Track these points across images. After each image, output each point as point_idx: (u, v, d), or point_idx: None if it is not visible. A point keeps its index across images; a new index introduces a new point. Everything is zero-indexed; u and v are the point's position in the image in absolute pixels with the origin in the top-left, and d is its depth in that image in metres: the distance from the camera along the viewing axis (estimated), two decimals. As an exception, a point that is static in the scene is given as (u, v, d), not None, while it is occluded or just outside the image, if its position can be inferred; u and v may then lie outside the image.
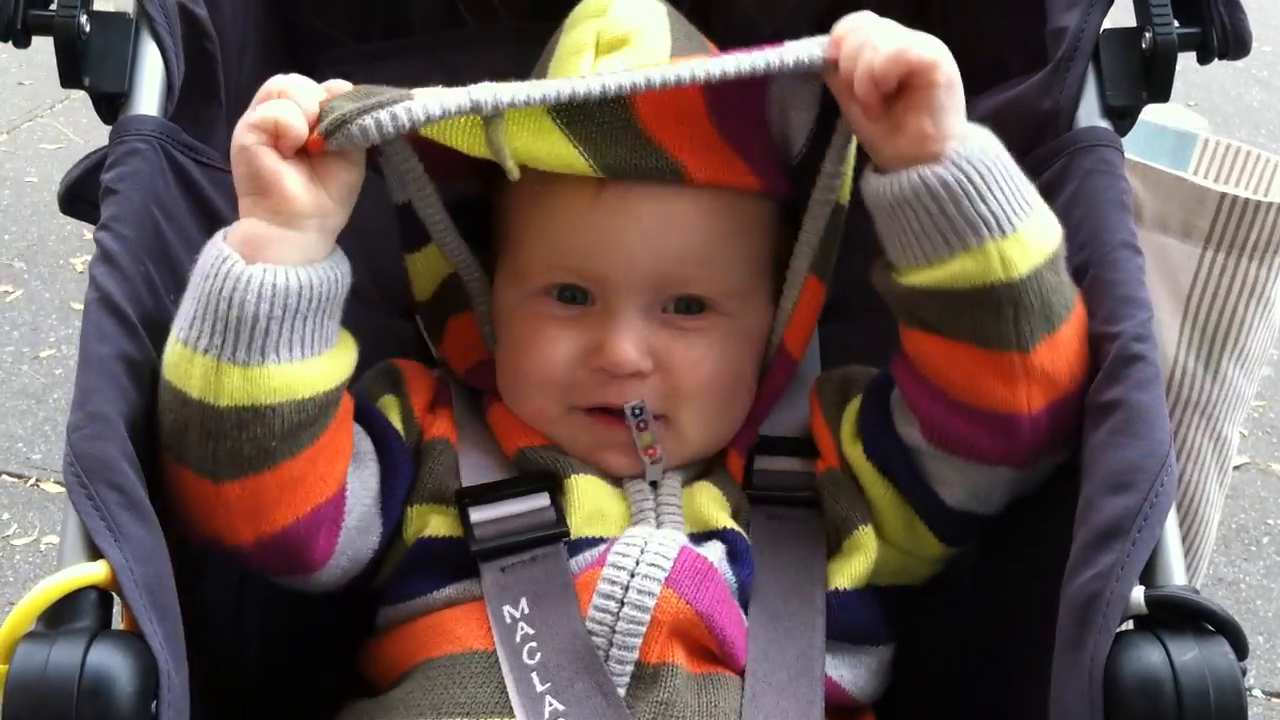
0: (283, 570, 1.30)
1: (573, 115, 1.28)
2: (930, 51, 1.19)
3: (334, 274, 1.23)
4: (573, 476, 1.35)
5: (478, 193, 1.44)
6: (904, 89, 1.19)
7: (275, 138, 1.19)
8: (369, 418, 1.38)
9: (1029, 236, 1.21)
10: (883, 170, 1.23)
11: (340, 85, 1.25)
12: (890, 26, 1.23)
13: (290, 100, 1.21)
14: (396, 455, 1.37)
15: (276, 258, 1.19)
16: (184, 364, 1.18)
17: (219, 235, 1.22)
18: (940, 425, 1.28)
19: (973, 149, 1.20)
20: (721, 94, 1.29)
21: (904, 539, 1.36)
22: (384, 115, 1.19)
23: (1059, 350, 1.23)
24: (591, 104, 1.24)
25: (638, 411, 1.35)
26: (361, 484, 1.33)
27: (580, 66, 1.38)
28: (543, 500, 1.34)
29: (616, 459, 1.37)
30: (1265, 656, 2.51)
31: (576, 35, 1.42)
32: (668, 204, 1.34)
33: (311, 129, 1.20)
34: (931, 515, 1.34)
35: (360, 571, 1.36)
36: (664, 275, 1.34)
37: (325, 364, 1.23)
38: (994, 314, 1.21)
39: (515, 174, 1.27)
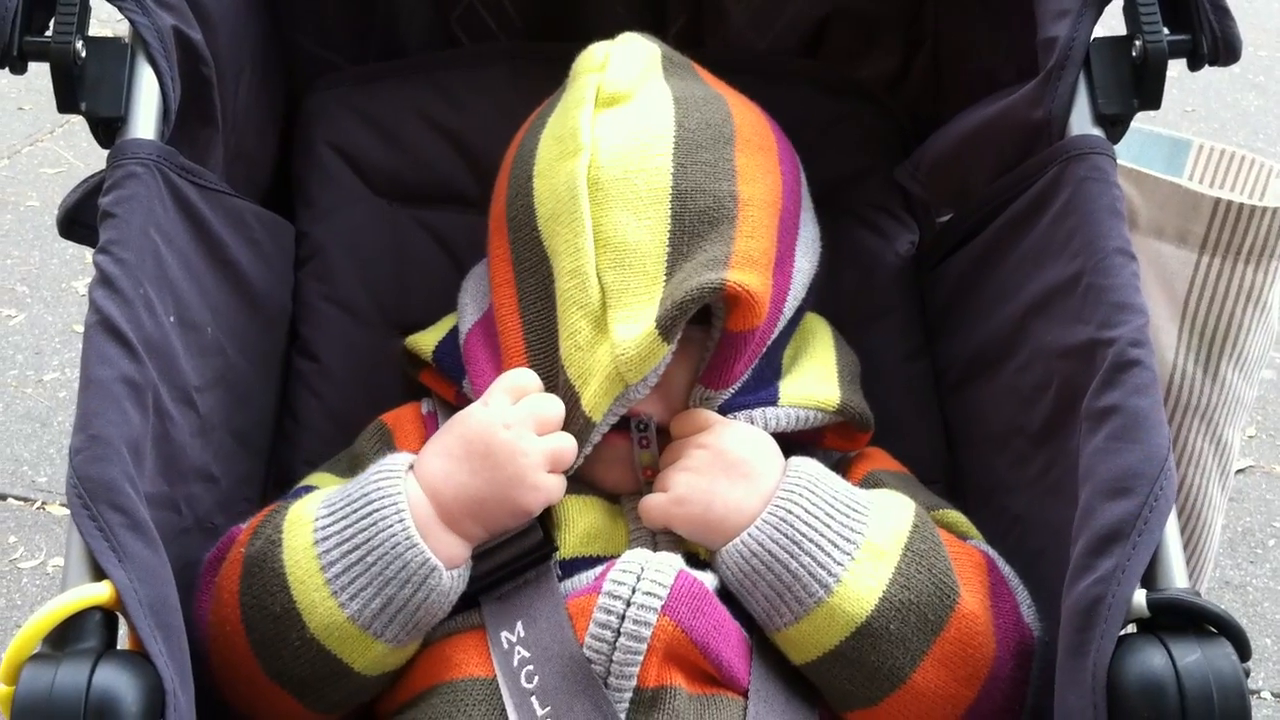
0: None
1: None
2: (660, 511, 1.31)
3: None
4: (566, 496, 1.34)
5: None
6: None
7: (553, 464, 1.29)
8: None
9: (860, 583, 1.24)
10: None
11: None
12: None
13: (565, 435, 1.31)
14: None
15: (449, 547, 1.26)
16: (355, 642, 1.24)
17: (411, 531, 1.24)
18: None
19: (735, 558, 1.27)
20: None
21: None
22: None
23: (922, 695, 1.25)
24: None
25: (642, 427, 1.35)
26: None
27: (581, 118, 1.40)
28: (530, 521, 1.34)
29: (612, 475, 1.37)
30: (1275, 659, 2.50)
31: (578, 89, 1.44)
32: None
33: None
34: None
35: None
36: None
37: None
38: (847, 671, 1.25)
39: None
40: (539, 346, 1.36)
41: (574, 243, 1.34)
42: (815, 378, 1.43)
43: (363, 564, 1.22)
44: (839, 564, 1.23)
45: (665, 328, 1.27)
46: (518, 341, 1.37)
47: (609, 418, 1.31)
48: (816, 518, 1.25)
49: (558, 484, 1.30)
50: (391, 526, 1.23)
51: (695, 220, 1.33)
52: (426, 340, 1.49)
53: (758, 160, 1.40)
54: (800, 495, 1.26)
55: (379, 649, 1.24)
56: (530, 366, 1.35)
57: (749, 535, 1.25)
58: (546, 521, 1.32)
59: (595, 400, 1.29)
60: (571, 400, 1.31)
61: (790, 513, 1.25)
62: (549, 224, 1.37)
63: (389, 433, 1.44)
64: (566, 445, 1.30)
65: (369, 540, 1.23)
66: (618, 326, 1.30)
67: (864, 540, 1.25)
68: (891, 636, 1.22)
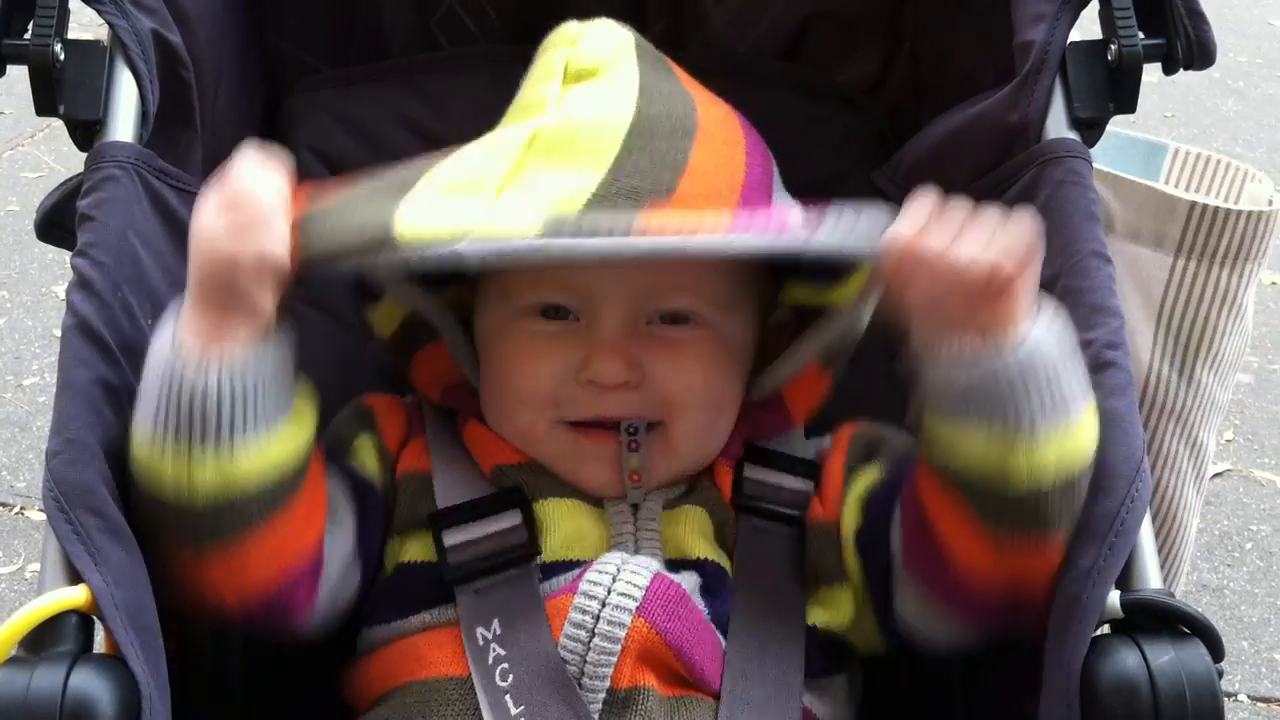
0: (268, 630, 1.29)
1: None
2: (1028, 240, 1.15)
3: (284, 345, 1.21)
4: (547, 500, 1.35)
5: None
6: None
7: (260, 267, 1.16)
8: (341, 468, 1.37)
9: (1059, 445, 1.16)
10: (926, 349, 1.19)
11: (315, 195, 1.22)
12: (964, 219, 1.17)
13: (270, 222, 1.18)
14: (370, 503, 1.37)
15: (232, 340, 1.16)
16: (157, 464, 1.16)
17: (167, 333, 1.17)
18: (914, 552, 1.28)
19: (1026, 347, 1.15)
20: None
21: (854, 619, 1.36)
22: (371, 254, 1.18)
23: (1044, 551, 1.20)
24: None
25: (632, 430, 1.34)
26: (339, 538, 1.32)
27: (547, 92, 1.37)
28: (514, 519, 1.34)
29: (598, 474, 1.36)
30: (1250, 661, 2.52)
31: (545, 62, 1.41)
32: None
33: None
34: (882, 616, 1.34)
35: (346, 609, 1.36)
36: (647, 290, 1.34)
37: (288, 436, 1.21)
38: (996, 496, 1.18)
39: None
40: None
41: (485, 163, 1.29)
42: None
43: (142, 393, 1.18)
44: (1056, 421, 1.16)
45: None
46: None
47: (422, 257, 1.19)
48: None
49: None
50: (151, 347, 1.19)
51: (621, 198, 1.26)
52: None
53: (718, 155, 1.36)
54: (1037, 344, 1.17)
55: (177, 464, 1.15)
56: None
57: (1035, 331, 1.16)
58: (531, 524, 1.32)
59: (416, 218, 1.19)
60: (389, 198, 1.23)
61: (1064, 333, 1.18)
62: (469, 150, 1.34)
63: (370, 412, 1.43)
64: (268, 247, 1.17)
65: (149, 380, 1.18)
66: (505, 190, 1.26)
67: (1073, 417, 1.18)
68: (1064, 499, 1.17)
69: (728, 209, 1.31)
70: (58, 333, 1.22)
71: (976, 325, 1.15)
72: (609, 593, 1.24)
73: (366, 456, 1.40)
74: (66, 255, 1.30)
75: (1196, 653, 1.09)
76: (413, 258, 1.18)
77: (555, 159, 1.29)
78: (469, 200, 1.25)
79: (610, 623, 1.23)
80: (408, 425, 1.44)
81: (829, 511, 1.38)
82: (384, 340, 1.46)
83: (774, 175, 1.46)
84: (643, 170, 1.28)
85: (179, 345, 1.16)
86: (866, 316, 1.36)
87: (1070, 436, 1.17)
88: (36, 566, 2.62)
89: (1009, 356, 1.14)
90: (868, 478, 1.38)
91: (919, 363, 1.20)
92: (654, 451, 1.35)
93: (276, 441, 1.19)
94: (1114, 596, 1.12)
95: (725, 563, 1.35)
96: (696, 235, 1.20)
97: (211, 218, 1.18)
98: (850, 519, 1.36)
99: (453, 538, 1.32)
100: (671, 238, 1.20)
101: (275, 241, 1.17)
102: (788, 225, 1.26)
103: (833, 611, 1.35)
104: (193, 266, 1.18)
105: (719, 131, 1.39)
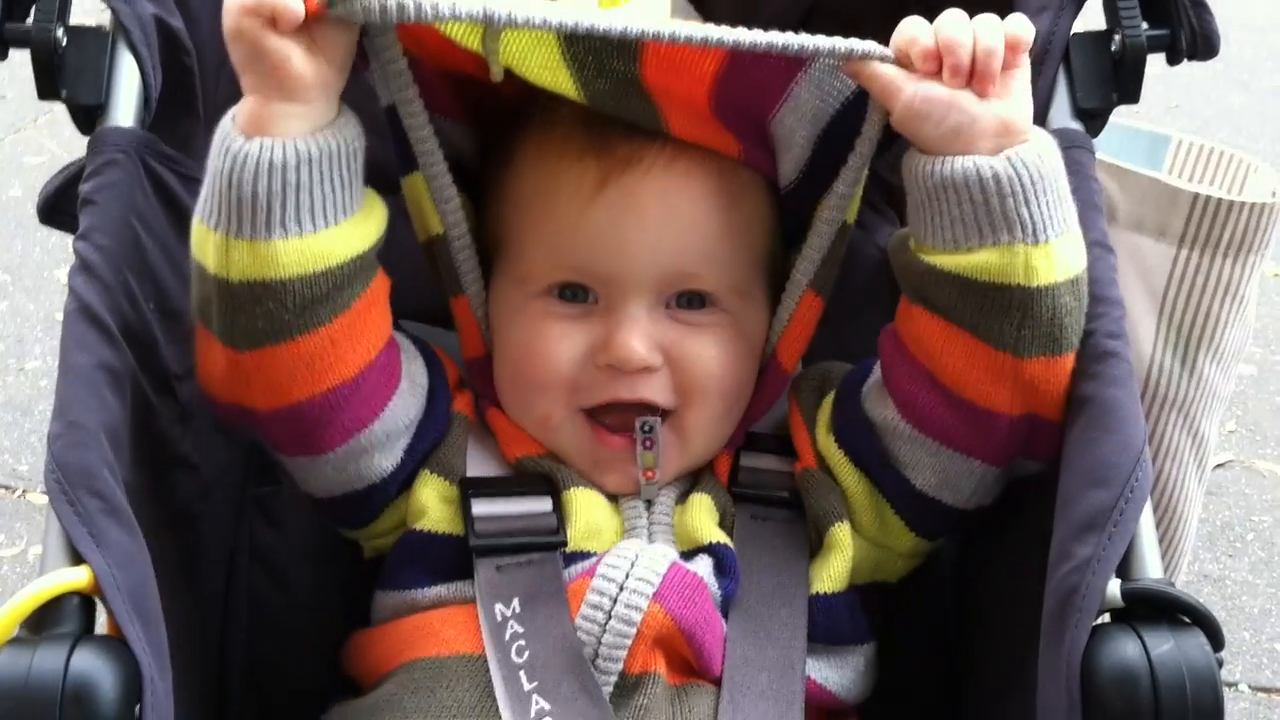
0: (291, 446, 1.30)
1: (578, 45, 1.26)
2: (1028, 29, 1.23)
3: (339, 139, 1.20)
4: (572, 489, 1.35)
5: (464, 147, 1.42)
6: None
7: (272, 21, 1.15)
8: (432, 362, 1.39)
9: (1058, 251, 1.23)
10: (929, 152, 1.24)
11: None
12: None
13: None
14: (440, 402, 1.38)
15: (281, 130, 1.17)
16: (201, 240, 1.20)
17: (229, 114, 1.20)
18: (921, 406, 1.30)
19: (1030, 151, 1.22)
20: (730, 87, 1.29)
21: (876, 531, 1.37)
22: (391, 2, 1.15)
23: (1056, 372, 1.25)
24: (603, 42, 1.23)
25: (647, 429, 1.35)
26: (404, 406, 1.33)
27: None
28: (545, 504, 1.35)
29: (613, 478, 1.37)
30: (1251, 652, 2.52)
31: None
32: (671, 198, 1.34)
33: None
34: (901, 501, 1.35)
35: (360, 492, 1.35)
36: (668, 271, 1.35)
37: (338, 235, 1.21)
38: (1002, 313, 1.23)
39: (499, 75, 1.26)
40: None
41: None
42: None
43: (206, 175, 1.21)
44: (1054, 227, 1.23)
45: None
46: None
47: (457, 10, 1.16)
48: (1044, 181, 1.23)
49: (289, 41, 1.17)
50: (219, 128, 1.21)
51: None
52: None
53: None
54: (1038, 153, 1.24)
55: (218, 243, 1.19)
56: None
57: (980, 159, 1.22)
58: (560, 510, 1.33)
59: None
60: None
61: (1026, 164, 1.22)
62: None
63: (431, 351, 1.42)
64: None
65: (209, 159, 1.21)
66: None
67: (1072, 224, 1.25)
68: (1069, 309, 1.23)
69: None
70: (59, 317, 1.23)
71: (992, 118, 1.22)
72: (627, 577, 1.25)
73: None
74: (69, 240, 1.30)
75: (1196, 642, 1.09)
76: (442, 10, 1.15)
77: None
78: None
79: (627, 606, 1.24)
80: (459, 377, 1.45)
81: (808, 458, 1.40)
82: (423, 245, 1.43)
83: None
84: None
85: (224, 127, 1.18)
86: (852, 208, 1.37)
87: (1072, 235, 1.24)
88: (39, 549, 2.62)
89: (1023, 152, 1.21)
90: (826, 403, 1.42)
91: (916, 196, 1.25)
92: (668, 445, 1.36)
93: (320, 240, 1.20)
94: (1114, 585, 1.12)
95: (734, 545, 1.35)
96: (699, 30, 1.20)
97: None
98: (825, 439, 1.39)
99: (481, 508, 1.33)
100: (675, 27, 1.19)
101: None
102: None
103: (850, 554, 1.35)
104: (229, 47, 1.18)
105: None
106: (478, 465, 1.38)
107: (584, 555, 1.32)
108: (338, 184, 1.20)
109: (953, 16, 1.24)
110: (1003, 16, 1.46)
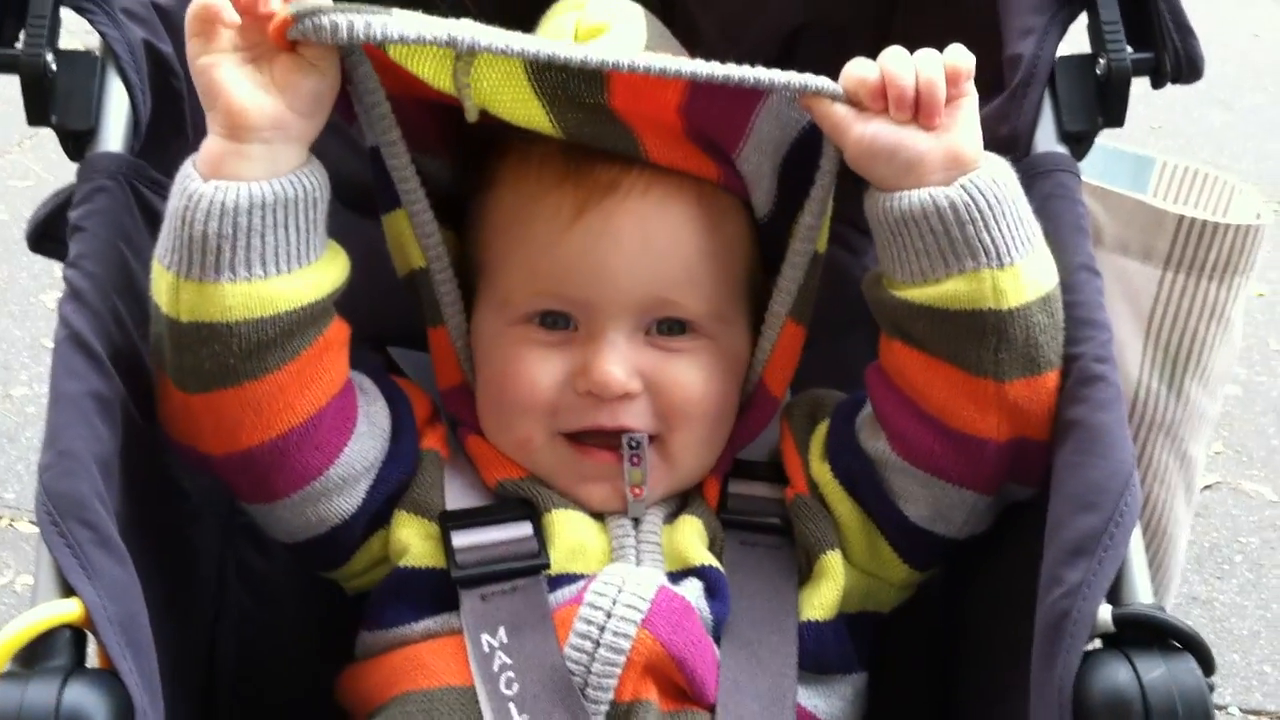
0: (247, 492, 1.30)
1: (546, 78, 1.27)
2: (968, 60, 1.25)
3: (299, 187, 1.21)
4: (554, 510, 1.35)
5: (446, 178, 1.42)
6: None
7: (206, 23, 1.18)
8: (396, 402, 1.38)
9: (1026, 272, 1.24)
10: (885, 189, 1.25)
11: None
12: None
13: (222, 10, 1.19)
14: (404, 443, 1.37)
15: (233, 173, 1.18)
16: (156, 278, 1.21)
17: (192, 155, 1.21)
18: (910, 438, 1.30)
19: (983, 177, 1.24)
20: (696, 117, 1.30)
21: (868, 560, 1.37)
22: (357, 20, 1.15)
23: (1039, 392, 1.26)
24: (569, 73, 1.25)
25: (634, 445, 1.34)
26: (361, 449, 1.32)
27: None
28: (525, 529, 1.34)
29: (599, 493, 1.37)
30: (1241, 674, 2.52)
31: (554, 26, 1.42)
32: (649, 224, 1.34)
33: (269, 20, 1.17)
34: (894, 532, 1.36)
35: (323, 536, 1.34)
36: (647, 296, 1.35)
37: (289, 282, 1.21)
38: (977, 339, 1.24)
39: (474, 115, 1.27)
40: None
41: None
42: None
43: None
44: (1018, 248, 1.24)
45: (535, 77, 1.26)
46: None
47: (420, 35, 1.18)
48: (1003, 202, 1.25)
49: (240, 73, 1.20)
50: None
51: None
52: None
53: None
54: (992, 178, 1.25)
55: (169, 281, 1.20)
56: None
57: (934, 190, 1.24)
58: (542, 536, 1.33)
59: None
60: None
61: (980, 190, 1.24)
62: None
63: (399, 387, 1.41)
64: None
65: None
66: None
67: (1037, 243, 1.27)
68: (1044, 328, 1.25)
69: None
70: (46, 342, 1.23)
71: (940, 150, 1.24)
72: (614, 604, 1.25)
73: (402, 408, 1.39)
74: (55, 264, 1.30)
75: (1188, 667, 1.09)
76: (406, 33, 1.17)
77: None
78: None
79: (616, 634, 1.23)
80: (432, 409, 1.44)
81: (800, 485, 1.40)
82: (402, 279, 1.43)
83: None
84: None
85: (185, 167, 1.20)
86: (822, 237, 1.38)
87: (1038, 253, 1.26)
88: (27, 579, 2.62)
89: (976, 179, 1.23)
90: (819, 431, 1.42)
91: (881, 233, 1.27)
92: (655, 465, 1.36)
93: (270, 285, 1.20)
94: (1104, 611, 1.12)
95: (724, 569, 1.35)
96: (658, 61, 1.21)
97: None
98: (819, 467, 1.39)
99: (462, 539, 1.32)
100: (621, 54, 1.21)
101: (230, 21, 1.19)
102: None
103: (841, 582, 1.35)
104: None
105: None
106: (457, 497, 1.38)
107: (570, 578, 1.32)
108: (293, 231, 1.21)
109: (894, 53, 1.26)
110: (988, 42, 1.49)
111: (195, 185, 1.18)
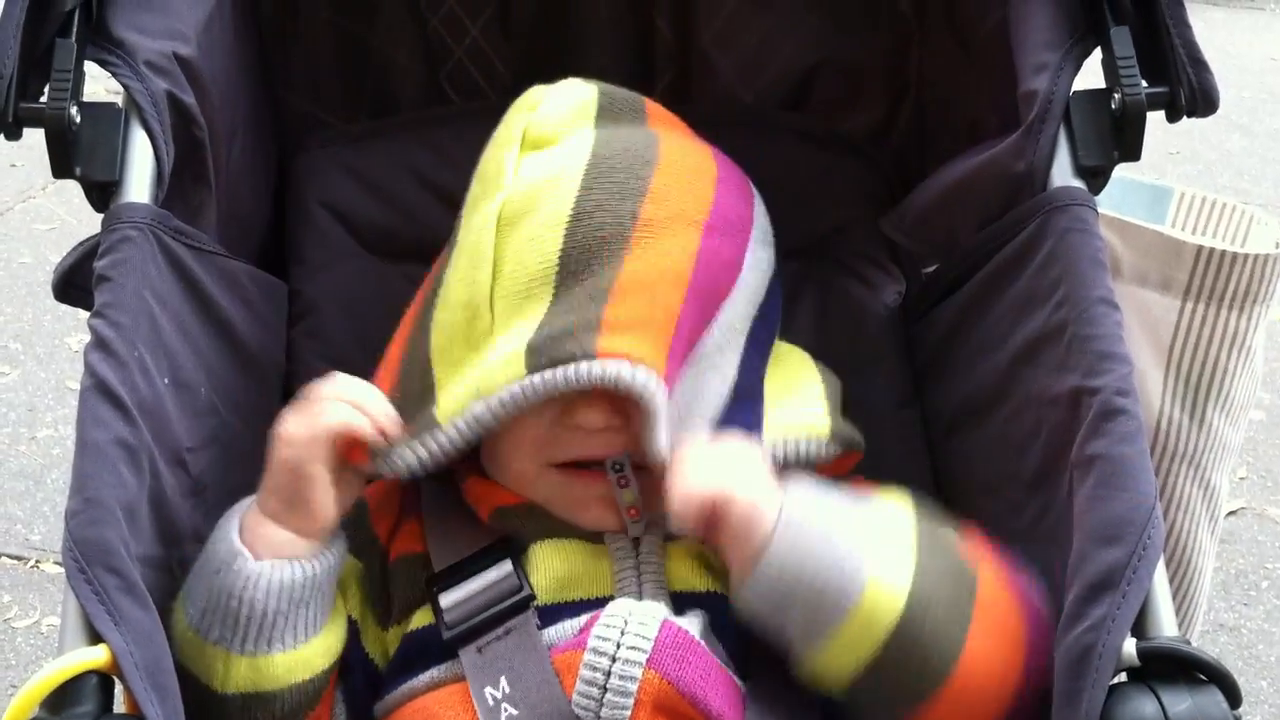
0: None
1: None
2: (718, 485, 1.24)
3: (334, 558, 1.30)
4: (546, 541, 1.35)
5: None
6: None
7: (334, 432, 1.28)
8: (350, 655, 1.38)
9: (852, 633, 1.21)
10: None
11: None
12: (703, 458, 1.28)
13: (360, 409, 1.30)
14: (354, 665, 1.37)
15: (290, 554, 1.26)
16: (195, 651, 1.25)
17: (233, 526, 1.27)
18: None
19: (766, 570, 1.22)
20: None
21: None
22: (420, 451, 1.31)
23: (946, 700, 1.22)
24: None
25: (618, 467, 1.35)
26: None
27: (506, 161, 1.43)
28: (505, 568, 1.34)
29: (594, 513, 1.36)
30: (1270, 701, 2.50)
31: (508, 126, 1.48)
32: None
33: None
34: None
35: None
36: None
37: (323, 643, 1.30)
38: (901, 671, 1.21)
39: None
40: (410, 365, 1.40)
41: (471, 275, 1.38)
42: (802, 404, 1.44)
43: (197, 571, 1.27)
44: (859, 567, 1.21)
45: (532, 366, 1.29)
46: (394, 364, 1.42)
47: (463, 429, 1.31)
48: (828, 529, 1.24)
49: (328, 475, 1.28)
50: (216, 532, 1.28)
51: (587, 238, 1.34)
52: None
53: (682, 181, 1.40)
54: (805, 510, 1.25)
55: (214, 655, 1.24)
56: (400, 381, 1.39)
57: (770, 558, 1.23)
58: (519, 568, 1.33)
59: (448, 405, 1.32)
60: (429, 400, 1.34)
61: (802, 529, 1.23)
62: (459, 260, 1.41)
63: (364, 506, 1.42)
64: (343, 422, 1.29)
65: (206, 551, 1.28)
66: (498, 339, 1.33)
67: (876, 537, 1.24)
68: (932, 620, 1.21)
69: (695, 232, 1.37)
70: (71, 385, 1.25)
71: (735, 556, 1.24)
72: (618, 646, 1.24)
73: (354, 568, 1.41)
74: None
75: (1214, 700, 1.09)
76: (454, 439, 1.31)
77: (522, 225, 1.36)
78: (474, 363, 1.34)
79: (622, 677, 1.22)
80: (403, 502, 1.45)
81: None
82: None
83: (754, 216, 1.48)
84: (603, 204, 1.35)
85: (229, 543, 1.26)
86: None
87: (859, 615, 1.20)
88: (53, 620, 2.63)
89: (760, 578, 1.22)
90: None
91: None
92: (646, 487, 1.36)
93: (310, 649, 1.28)
94: (1130, 644, 1.12)
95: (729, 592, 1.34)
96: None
97: (292, 417, 1.30)
98: None
99: (449, 598, 1.33)
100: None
101: (357, 417, 1.29)
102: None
103: None
104: (274, 461, 1.29)
105: (684, 160, 1.43)
106: (447, 554, 1.38)
107: (569, 609, 1.31)
108: (327, 592, 1.30)
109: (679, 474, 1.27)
110: (1002, 78, 1.49)
111: (250, 566, 1.24)
